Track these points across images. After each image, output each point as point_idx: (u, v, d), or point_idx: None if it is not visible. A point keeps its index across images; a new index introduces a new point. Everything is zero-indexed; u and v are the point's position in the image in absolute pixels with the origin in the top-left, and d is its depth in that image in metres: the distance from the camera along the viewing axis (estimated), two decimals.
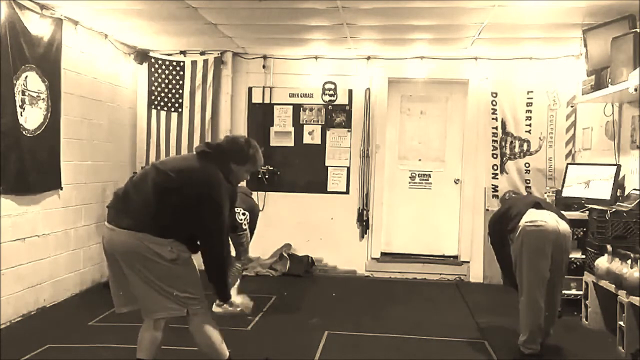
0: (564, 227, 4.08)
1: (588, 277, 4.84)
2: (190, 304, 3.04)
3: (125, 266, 3.00)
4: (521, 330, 4.07)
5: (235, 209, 4.74)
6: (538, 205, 4.23)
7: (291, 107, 7.04)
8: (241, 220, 4.82)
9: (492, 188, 6.70)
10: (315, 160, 7.01)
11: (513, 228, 4.09)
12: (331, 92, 6.98)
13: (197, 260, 3.13)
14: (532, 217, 4.05)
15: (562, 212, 4.36)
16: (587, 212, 5.07)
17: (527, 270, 4.00)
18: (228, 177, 3.12)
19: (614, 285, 4.30)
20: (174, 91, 6.83)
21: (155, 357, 3.17)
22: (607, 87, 4.73)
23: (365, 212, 6.93)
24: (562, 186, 5.85)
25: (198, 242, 3.10)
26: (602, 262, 4.52)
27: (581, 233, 5.26)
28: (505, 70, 6.64)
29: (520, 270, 4.04)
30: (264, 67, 7.01)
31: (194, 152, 3.21)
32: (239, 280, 5.09)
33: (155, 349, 3.15)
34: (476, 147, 6.78)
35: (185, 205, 2.96)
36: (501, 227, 4.24)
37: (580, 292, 5.02)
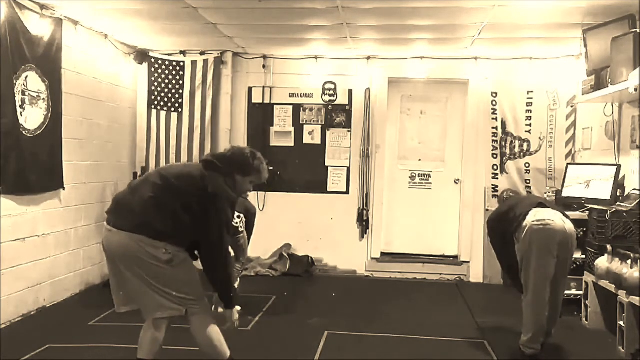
0: (569, 226, 4.07)
1: (588, 277, 4.84)
2: (189, 304, 3.05)
3: (122, 267, 3.02)
4: (524, 330, 4.05)
5: None
6: (542, 204, 4.22)
7: (291, 107, 7.04)
8: (237, 223, 4.83)
9: (492, 188, 6.70)
10: (315, 160, 7.01)
11: (518, 227, 4.08)
12: (331, 92, 6.98)
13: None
14: (539, 216, 4.03)
15: (565, 212, 4.35)
16: (587, 212, 5.07)
17: (534, 270, 3.98)
18: (232, 188, 3.15)
19: (614, 285, 4.30)
20: (174, 91, 6.83)
21: (156, 357, 3.17)
22: (607, 87, 4.73)
23: (365, 212, 6.94)
24: (562, 186, 5.85)
25: (197, 252, 3.12)
26: (602, 262, 4.52)
27: (581, 233, 5.25)
28: (505, 70, 6.64)
29: (527, 270, 4.02)
30: (264, 67, 7.01)
31: (199, 161, 3.24)
32: (238, 280, 5.10)
33: (156, 349, 3.15)
34: (476, 147, 6.78)
35: (184, 212, 2.98)
36: (503, 227, 4.21)
37: (580, 292, 5.02)
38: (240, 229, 4.86)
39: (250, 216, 5.03)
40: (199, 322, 3.09)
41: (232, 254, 4.91)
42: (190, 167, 3.23)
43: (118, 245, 3.00)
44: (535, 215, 4.04)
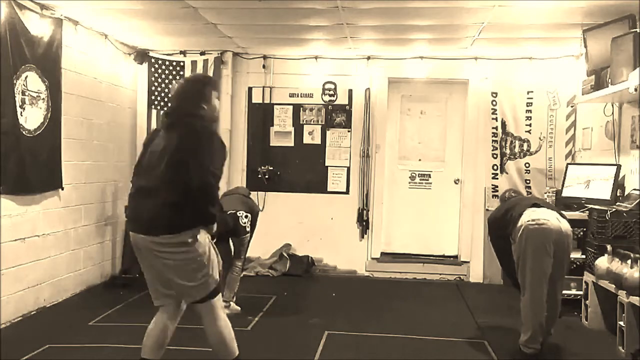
0: (565, 225, 4.08)
1: (588, 277, 4.84)
2: (213, 285, 3.05)
3: (154, 261, 3.05)
4: (523, 330, 4.06)
5: (237, 212, 4.80)
6: (537, 205, 4.23)
7: (291, 107, 7.04)
8: (244, 223, 4.84)
9: (492, 188, 6.70)
10: (315, 160, 7.01)
11: (513, 228, 4.08)
12: (331, 92, 6.98)
13: None
14: (534, 215, 4.05)
15: (562, 212, 4.36)
16: (587, 212, 5.07)
17: (530, 269, 3.99)
18: (213, 117, 3.19)
19: (614, 285, 4.31)
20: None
21: (160, 357, 3.16)
22: (607, 87, 4.74)
23: (365, 212, 6.93)
24: (562, 186, 5.85)
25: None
26: (602, 262, 4.52)
27: (581, 233, 5.26)
28: (505, 70, 6.64)
29: (523, 269, 4.03)
30: (264, 67, 7.01)
31: (167, 128, 3.14)
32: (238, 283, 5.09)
33: (160, 348, 3.15)
34: (476, 147, 6.78)
35: (185, 190, 2.94)
36: (501, 228, 4.23)
37: (580, 292, 5.02)
38: (247, 229, 4.87)
39: (254, 216, 5.04)
40: (212, 316, 3.08)
41: (234, 252, 4.94)
42: (168, 141, 3.05)
43: (144, 245, 3.04)
44: (530, 215, 4.06)
